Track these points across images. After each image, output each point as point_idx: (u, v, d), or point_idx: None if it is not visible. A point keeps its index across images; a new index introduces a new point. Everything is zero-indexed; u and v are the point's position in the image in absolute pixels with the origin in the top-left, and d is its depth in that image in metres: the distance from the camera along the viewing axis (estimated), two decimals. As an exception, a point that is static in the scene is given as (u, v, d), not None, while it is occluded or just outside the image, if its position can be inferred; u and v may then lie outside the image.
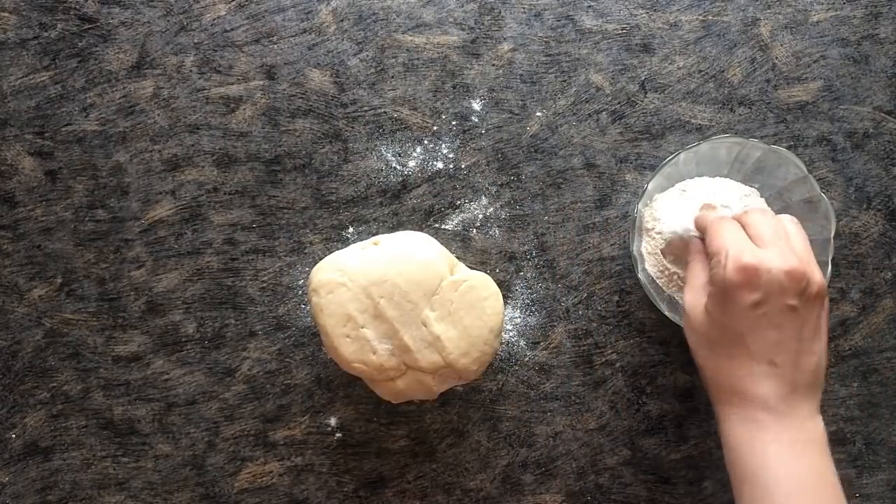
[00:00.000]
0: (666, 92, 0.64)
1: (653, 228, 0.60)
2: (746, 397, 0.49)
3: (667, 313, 0.59)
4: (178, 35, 0.63)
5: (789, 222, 0.53)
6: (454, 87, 0.63)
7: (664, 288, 0.61)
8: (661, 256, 0.60)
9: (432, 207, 0.63)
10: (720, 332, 0.50)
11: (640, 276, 0.60)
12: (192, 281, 0.62)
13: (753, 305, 0.48)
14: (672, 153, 0.61)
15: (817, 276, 0.49)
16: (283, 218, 0.62)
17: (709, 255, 0.52)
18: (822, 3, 0.65)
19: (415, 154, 0.63)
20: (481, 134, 0.63)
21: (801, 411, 0.49)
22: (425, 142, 0.63)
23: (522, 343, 0.62)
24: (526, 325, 0.62)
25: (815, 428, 0.49)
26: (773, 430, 0.48)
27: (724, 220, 0.53)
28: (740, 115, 0.64)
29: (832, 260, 0.59)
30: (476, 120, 0.63)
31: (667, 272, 0.60)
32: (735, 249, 0.49)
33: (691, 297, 0.52)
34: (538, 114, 0.63)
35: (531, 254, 0.63)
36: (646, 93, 0.64)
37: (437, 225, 0.63)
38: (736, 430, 0.49)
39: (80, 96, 0.62)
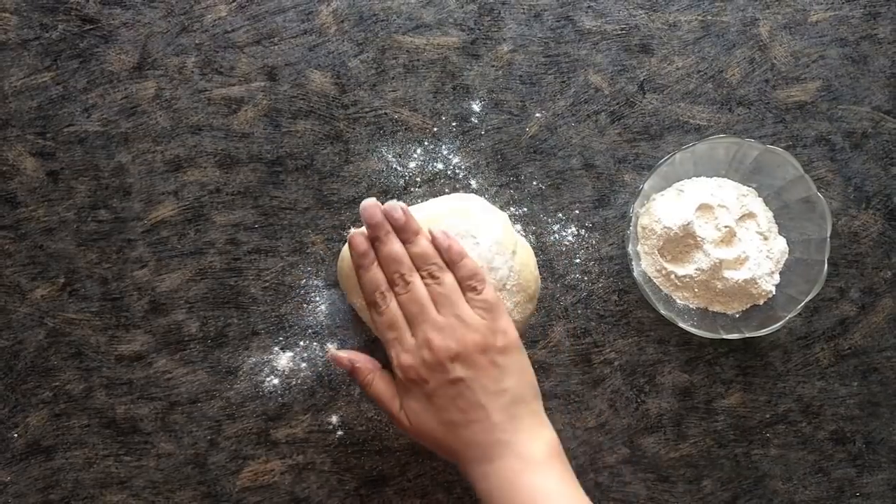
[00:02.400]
0: (665, 92, 0.64)
1: (650, 228, 0.60)
2: (478, 455, 0.51)
3: (663, 312, 0.59)
4: (179, 36, 0.63)
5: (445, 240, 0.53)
6: (454, 89, 0.64)
7: (661, 287, 0.61)
8: (658, 256, 0.61)
9: (432, 207, 0.63)
10: (436, 419, 0.51)
11: (636, 275, 0.60)
12: (195, 281, 0.62)
13: (429, 395, 0.51)
14: (670, 153, 0.62)
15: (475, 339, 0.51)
16: (285, 218, 0.63)
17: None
18: (821, 4, 0.65)
19: (415, 155, 0.63)
20: (481, 135, 0.63)
21: (520, 438, 0.51)
22: (425, 143, 0.63)
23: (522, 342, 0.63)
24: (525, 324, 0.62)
25: (537, 449, 0.51)
26: (500, 469, 0.50)
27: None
28: (739, 115, 0.64)
29: (830, 259, 0.59)
30: (476, 121, 0.63)
31: (663, 271, 0.61)
32: (395, 349, 0.52)
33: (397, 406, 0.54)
34: (537, 115, 0.64)
35: (531, 253, 0.63)
36: (644, 93, 0.64)
37: (437, 225, 0.63)
38: (480, 486, 0.51)
39: (82, 97, 0.63)
